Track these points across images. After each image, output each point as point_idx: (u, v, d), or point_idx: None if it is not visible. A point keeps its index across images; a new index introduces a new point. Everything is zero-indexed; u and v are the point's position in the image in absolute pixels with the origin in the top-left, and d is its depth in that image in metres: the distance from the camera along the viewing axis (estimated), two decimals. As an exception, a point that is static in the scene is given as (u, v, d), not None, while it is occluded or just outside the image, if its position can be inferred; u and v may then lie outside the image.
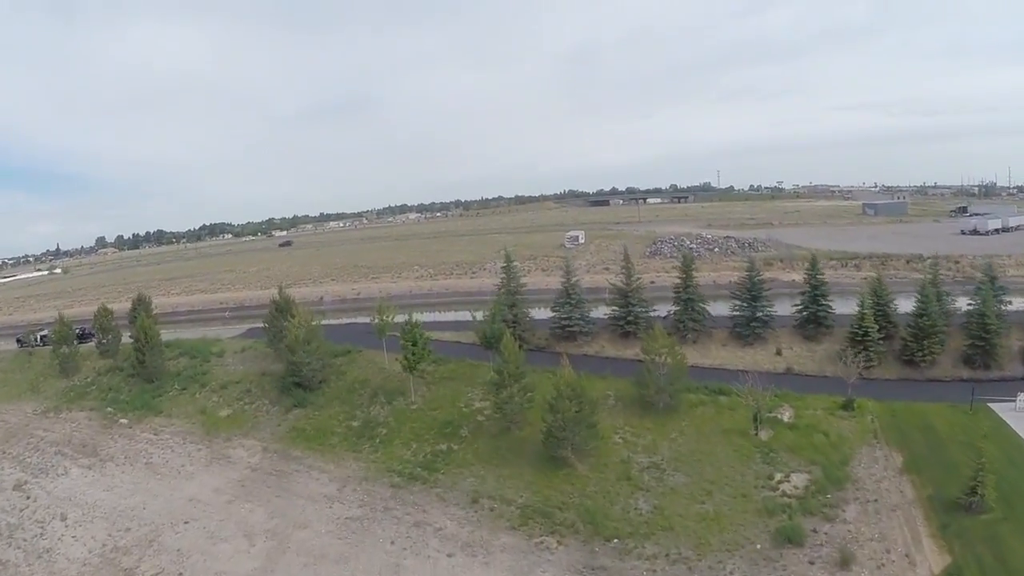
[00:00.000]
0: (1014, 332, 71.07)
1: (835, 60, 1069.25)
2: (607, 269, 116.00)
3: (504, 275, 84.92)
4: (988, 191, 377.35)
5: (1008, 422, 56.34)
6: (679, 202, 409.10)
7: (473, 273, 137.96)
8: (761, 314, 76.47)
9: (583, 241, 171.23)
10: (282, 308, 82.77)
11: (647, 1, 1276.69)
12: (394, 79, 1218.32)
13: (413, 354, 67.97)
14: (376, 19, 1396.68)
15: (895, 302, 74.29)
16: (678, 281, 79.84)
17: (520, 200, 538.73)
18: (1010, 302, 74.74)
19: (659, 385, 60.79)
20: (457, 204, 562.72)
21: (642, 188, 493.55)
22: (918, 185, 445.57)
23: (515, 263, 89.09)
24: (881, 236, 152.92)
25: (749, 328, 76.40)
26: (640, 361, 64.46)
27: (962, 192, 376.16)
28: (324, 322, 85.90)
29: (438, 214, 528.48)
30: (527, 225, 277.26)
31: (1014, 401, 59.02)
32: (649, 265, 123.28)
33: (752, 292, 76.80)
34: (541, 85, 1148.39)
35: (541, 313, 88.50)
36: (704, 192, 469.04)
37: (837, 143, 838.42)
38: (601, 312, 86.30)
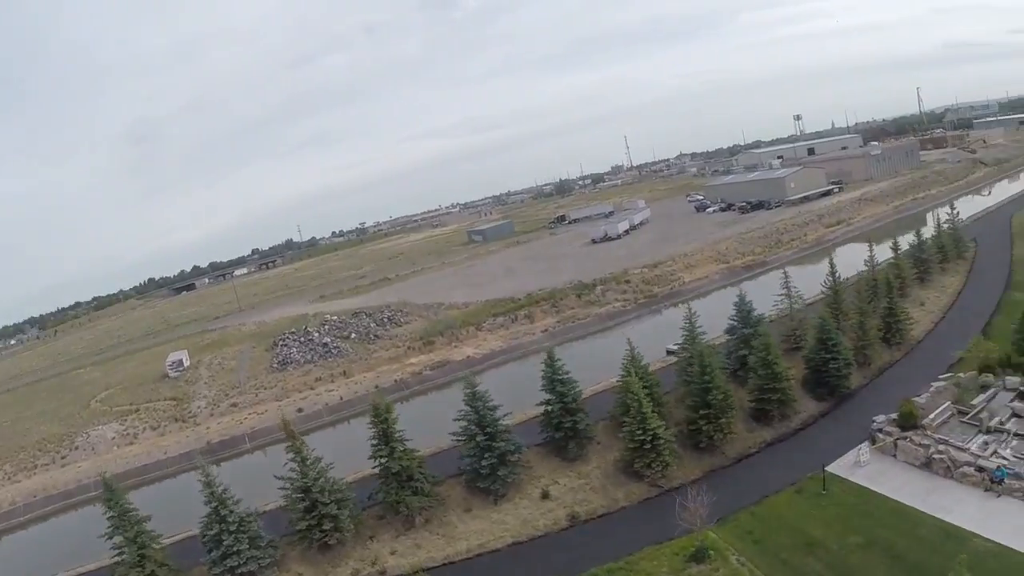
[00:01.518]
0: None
1: (394, 95, 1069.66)
2: (235, 406, 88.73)
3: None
4: (562, 187, 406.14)
5: (868, 486, 47.88)
6: (268, 267, 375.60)
7: (64, 459, 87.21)
8: (494, 459, 52.15)
9: (188, 364, 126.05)
10: None
11: (198, 67, 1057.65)
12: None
13: None
14: None
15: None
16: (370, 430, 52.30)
17: (99, 304, 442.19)
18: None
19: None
20: (32, 323, 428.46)
21: (226, 260, 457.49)
22: (497, 195, 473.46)
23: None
24: (517, 268, 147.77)
25: (491, 480, 52.56)
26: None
27: (539, 193, 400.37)
28: None
29: (12, 341, 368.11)
30: (115, 341, 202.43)
31: (852, 454, 51.65)
32: (288, 383, 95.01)
33: (483, 425, 52.60)
34: (108, 170, 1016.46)
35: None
36: (289, 250, 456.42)
37: (411, 172, 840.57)
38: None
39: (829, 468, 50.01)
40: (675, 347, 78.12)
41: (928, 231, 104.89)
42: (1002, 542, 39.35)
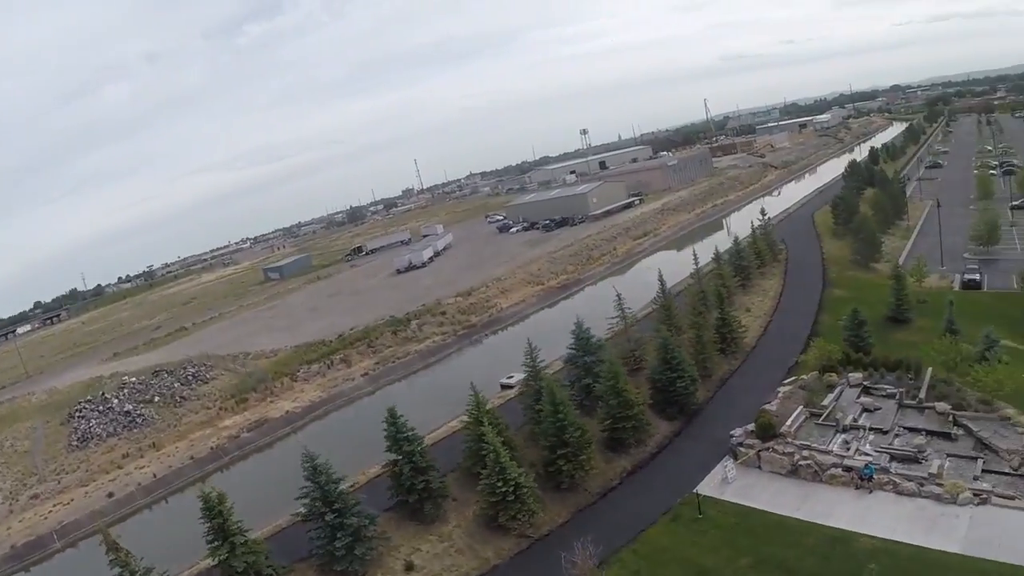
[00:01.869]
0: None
1: (178, 127, 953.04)
2: (36, 497, 78.04)
3: None
4: (355, 215, 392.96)
5: (743, 503, 49.34)
6: (53, 322, 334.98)
7: None
8: (349, 537, 46.57)
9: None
10: None
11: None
12: None
13: None
14: None
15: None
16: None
17: None
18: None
19: None
20: None
21: (6, 317, 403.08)
22: (287, 226, 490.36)
23: None
24: (321, 306, 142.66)
25: (348, 562, 46.49)
26: None
27: (330, 222, 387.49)
28: None
29: None
30: None
31: (718, 471, 53.17)
32: (92, 463, 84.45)
33: (329, 501, 46.30)
34: None
35: None
36: (74, 302, 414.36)
37: (197, 208, 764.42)
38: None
39: (698, 489, 51.10)
40: (512, 380, 78.27)
41: (740, 236, 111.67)
42: (887, 537, 41.96)
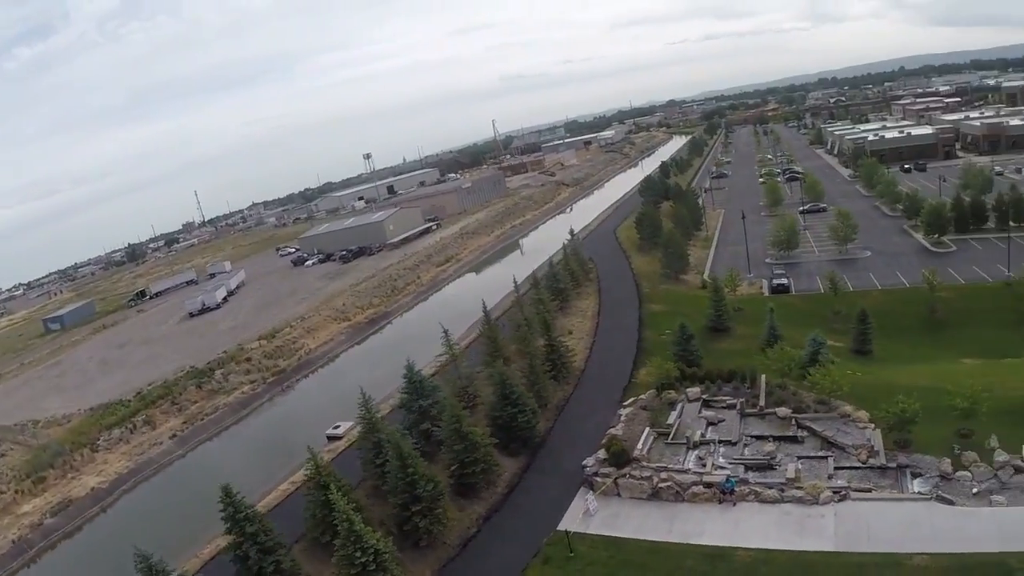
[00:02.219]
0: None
1: None
2: None
3: None
4: (134, 253, 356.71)
5: (612, 534, 50.38)
6: None
7: None
8: None
9: None
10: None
11: None
12: None
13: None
14: None
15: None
16: None
17: None
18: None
19: None
20: None
21: None
22: (63, 269, 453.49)
23: None
24: (113, 360, 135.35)
25: None
26: None
27: (109, 262, 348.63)
28: None
29: None
30: None
31: (578, 504, 54.34)
32: None
33: None
34: None
35: None
36: None
37: None
38: None
39: (563, 526, 52.00)
40: (339, 431, 76.54)
41: (552, 257, 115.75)
42: (762, 546, 45.02)
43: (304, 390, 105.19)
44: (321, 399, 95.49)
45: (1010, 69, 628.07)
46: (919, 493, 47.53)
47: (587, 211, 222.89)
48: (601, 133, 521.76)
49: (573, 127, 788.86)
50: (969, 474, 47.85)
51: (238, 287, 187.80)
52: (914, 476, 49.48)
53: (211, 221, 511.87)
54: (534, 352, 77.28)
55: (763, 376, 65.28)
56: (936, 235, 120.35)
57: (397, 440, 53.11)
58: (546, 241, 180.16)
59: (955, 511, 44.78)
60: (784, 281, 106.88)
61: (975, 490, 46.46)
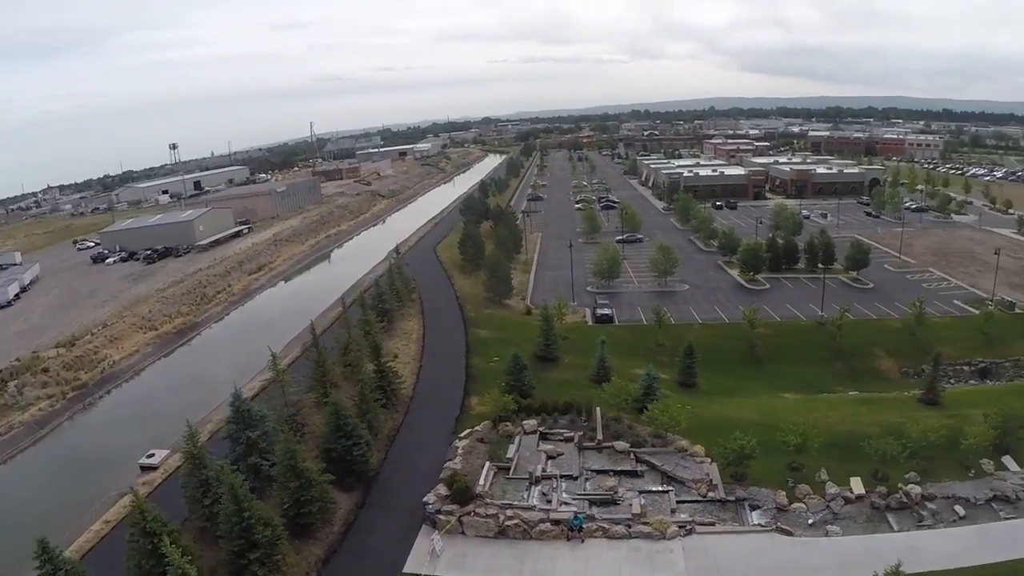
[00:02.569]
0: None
1: None
2: None
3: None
4: None
5: (462, 575, 50.17)
6: None
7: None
8: None
9: None
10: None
11: None
12: None
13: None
14: None
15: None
16: None
17: None
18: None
19: None
20: None
21: None
22: None
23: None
24: None
25: None
26: None
27: None
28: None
29: None
30: None
31: (422, 544, 52.58)
32: None
33: None
34: None
35: None
36: None
37: None
38: None
39: (409, 568, 50.32)
40: (154, 460, 70.60)
41: (374, 273, 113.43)
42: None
43: (109, 408, 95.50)
44: (129, 420, 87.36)
45: (813, 119, 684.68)
46: (759, 525, 50.13)
47: (404, 225, 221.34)
48: (417, 145, 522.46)
49: (388, 136, 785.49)
50: (804, 506, 50.74)
51: (31, 283, 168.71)
52: (752, 508, 52.12)
53: (0, 203, 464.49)
54: (365, 379, 74.63)
55: (598, 409, 66.11)
56: (752, 273, 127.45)
57: (231, 481, 49.01)
58: (363, 254, 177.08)
59: (795, 541, 47.67)
60: (608, 311, 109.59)
61: (811, 521, 49.64)
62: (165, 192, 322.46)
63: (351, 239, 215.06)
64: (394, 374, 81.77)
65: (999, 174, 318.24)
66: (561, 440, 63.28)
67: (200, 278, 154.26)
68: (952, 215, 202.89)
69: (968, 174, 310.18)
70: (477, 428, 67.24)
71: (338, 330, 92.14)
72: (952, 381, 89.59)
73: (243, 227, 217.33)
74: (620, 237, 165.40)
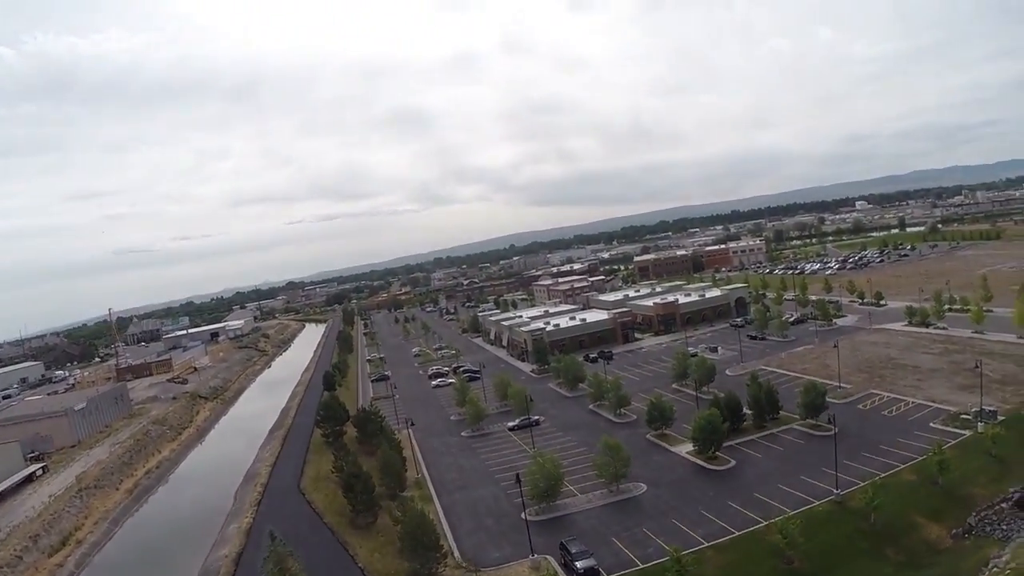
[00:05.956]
0: None
1: None
2: None
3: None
4: None
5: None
6: None
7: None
8: None
9: None
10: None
11: None
12: None
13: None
14: None
15: None
16: None
17: None
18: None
19: None
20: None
21: None
22: None
23: None
24: None
25: None
26: None
27: None
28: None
29: None
30: None
31: None
32: None
33: None
34: None
35: None
36: None
37: None
38: None
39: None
40: None
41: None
42: None
43: None
44: None
45: (614, 241, 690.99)
46: None
47: (240, 444, 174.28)
48: (229, 323, 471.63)
49: (192, 310, 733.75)
50: None
51: None
52: None
53: None
54: None
55: None
56: (711, 450, 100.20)
57: None
58: (205, 496, 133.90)
59: None
60: (592, 563, 74.55)
61: None
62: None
63: (176, 470, 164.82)
64: None
65: (835, 264, 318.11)
66: None
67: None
68: (834, 320, 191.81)
69: (807, 271, 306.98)
70: None
71: None
72: (1003, 527, 68.54)
73: (36, 466, 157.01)
74: (513, 423, 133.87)
